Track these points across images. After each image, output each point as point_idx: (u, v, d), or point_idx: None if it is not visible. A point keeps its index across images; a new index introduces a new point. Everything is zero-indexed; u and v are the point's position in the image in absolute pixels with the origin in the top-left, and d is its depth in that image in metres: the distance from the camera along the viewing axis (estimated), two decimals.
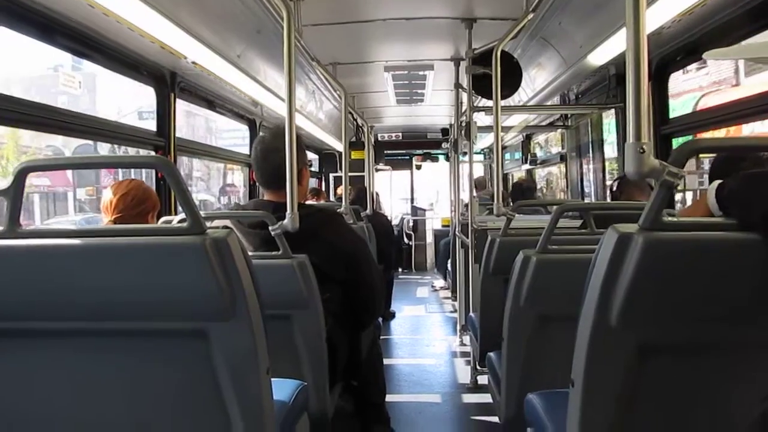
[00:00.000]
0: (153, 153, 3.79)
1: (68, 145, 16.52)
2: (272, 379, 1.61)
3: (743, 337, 1.39)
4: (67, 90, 19.12)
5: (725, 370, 1.40)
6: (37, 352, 1.55)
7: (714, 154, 2.47)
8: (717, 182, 1.46)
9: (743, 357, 1.40)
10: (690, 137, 3.75)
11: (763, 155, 2.17)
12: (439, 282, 9.71)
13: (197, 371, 1.51)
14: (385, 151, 10.89)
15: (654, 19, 2.93)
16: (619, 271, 1.29)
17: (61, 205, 17.83)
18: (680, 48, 3.50)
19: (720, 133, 3.75)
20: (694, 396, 1.41)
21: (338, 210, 4.00)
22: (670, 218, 1.32)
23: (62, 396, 1.56)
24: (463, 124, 5.04)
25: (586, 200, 5.86)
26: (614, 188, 3.60)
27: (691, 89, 7.08)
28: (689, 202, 4.97)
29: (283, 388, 2.17)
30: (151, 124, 3.86)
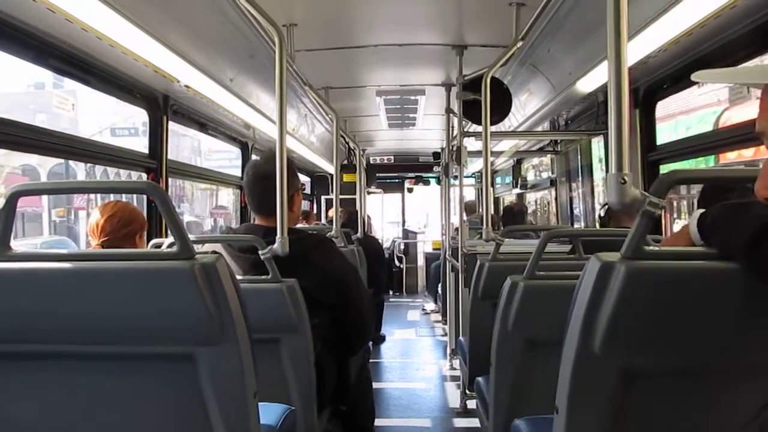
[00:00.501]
0: (144, 175, 3.80)
1: (43, 165, 16.48)
2: (260, 403, 1.62)
3: (725, 364, 1.41)
4: (50, 109, 19.30)
5: (707, 397, 1.42)
6: (25, 375, 1.55)
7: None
8: (699, 211, 1.48)
9: (725, 383, 1.41)
10: (677, 164, 3.79)
11: (749, 186, 2.20)
12: (430, 305, 9.70)
13: (185, 395, 1.52)
14: (377, 174, 10.92)
15: (639, 49, 2.98)
16: (601, 299, 1.31)
17: (33, 225, 17.74)
18: (667, 76, 3.55)
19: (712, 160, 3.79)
20: (676, 422, 1.42)
21: (329, 234, 4.02)
22: (652, 247, 1.34)
23: (50, 418, 1.56)
24: (454, 148, 5.08)
25: (576, 225, 5.89)
26: (602, 214, 3.64)
27: (709, 103, 7.09)
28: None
29: (270, 413, 2.17)
30: (130, 142, 3.86)
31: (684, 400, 1.41)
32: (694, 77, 1.04)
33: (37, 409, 1.56)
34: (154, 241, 2.83)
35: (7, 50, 2.59)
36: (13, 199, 1.46)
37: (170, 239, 2.35)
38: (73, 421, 1.56)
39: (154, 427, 1.57)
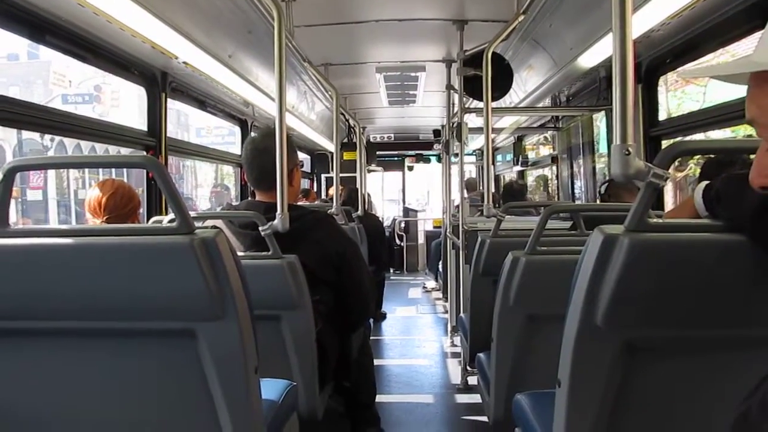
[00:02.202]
0: (144, 153, 3.78)
1: (8, 139, 16.36)
2: (262, 379, 1.62)
3: (728, 337, 1.41)
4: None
5: (710, 370, 1.42)
6: (27, 352, 1.56)
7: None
8: (704, 183, 1.47)
9: (727, 356, 1.41)
10: (679, 139, 3.77)
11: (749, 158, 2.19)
12: (431, 283, 9.71)
13: (186, 370, 1.52)
14: (377, 152, 10.87)
15: (643, 23, 2.95)
16: (604, 271, 1.30)
17: None
18: (670, 51, 3.52)
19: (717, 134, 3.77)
20: (678, 394, 1.43)
21: (329, 211, 4.01)
22: (656, 220, 1.33)
23: (52, 395, 1.56)
24: (455, 125, 5.06)
25: (577, 202, 5.88)
26: (602, 190, 3.62)
27: None
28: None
29: (272, 388, 2.18)
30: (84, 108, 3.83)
31: (686, 372, 1.41)
32: (680, 75, 1.03)
33: (39, 385, 1.56)
34: (154, 218, 2.82)
35: (4, 27, 2.56)
36: (10, 174, 1.45)
37: (170, 216, 2.34)
38: (75, 396, 1.57)
39: (155, 401, 1.57)
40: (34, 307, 1.50)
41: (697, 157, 4.06)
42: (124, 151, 3.74)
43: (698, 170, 2.54)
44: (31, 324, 1.53)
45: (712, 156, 2.50)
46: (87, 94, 21.06)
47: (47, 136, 14.50)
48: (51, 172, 17.23)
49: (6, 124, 2.68)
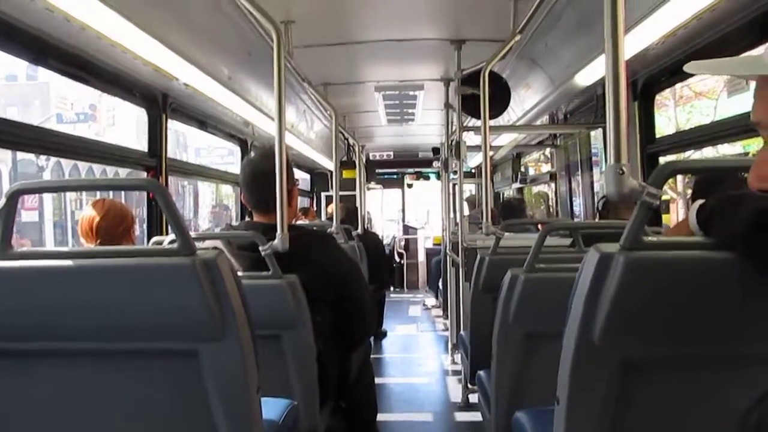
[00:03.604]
0: (144, 174, 3.80)
1: (5, 160, 16.39)
2: (262, 399, 1.63)
3: (724, 354, 1.42)
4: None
5: (707, 386, 1.43)
6: (29, 373, 1.56)
7: None
8: (698, 203, 1.49)
9: (724, 373, 1.42)
10: (676, 156, 3.80)
11: (742, 175, 2.21)
12: (431, 300, 9.71)
13: (188, 391, 1.53)
14: (377, 170, 10.92)
15: (638, 41, 2.98)
16: (601, 289, 1.32)
17: None
18: (666, 68, 3.55)
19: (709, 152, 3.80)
20: (676, 411, 1.43)
21: (329, 230, 4.02)
22: (651, 237, 1.35)
23: (54, 416, 1.57)
24: (453, 143, 5.09)
25: (576, 218, 5.90)
26: (600, 206, 3.64)
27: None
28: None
29: (273, 407, 2.18)
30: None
31: (684, 389, 1.42)
32: (686, 69, 1.05)
33: (41, 406, 1.57)
34: (154, 238, 2.84)
35: (6, 50, 2.59)
36: (13, 197, 1.47)
37: (170, 237, 2.36)
38: (75, 417, 1.57)
39: (157, 422, 1.58)
40: (36, 329, 1.52)
41: None
42: (123, 171, 3.76)
43: None
44: (32, 345, 1.54)
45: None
46: (83, 113, 21.16)
47: (42, 156, 14.52)
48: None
49: (5, 146, 2.70)
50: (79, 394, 1.57)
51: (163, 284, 1.45)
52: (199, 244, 1.50)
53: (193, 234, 1.61)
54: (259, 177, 2.55)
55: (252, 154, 2.75)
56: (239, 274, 1.63)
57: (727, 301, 1.32)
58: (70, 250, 1.52)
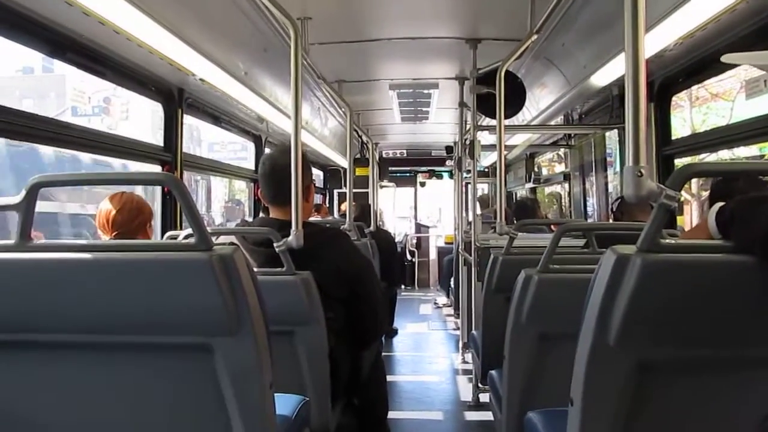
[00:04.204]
0: (159, 168, 3.82)
1: None
2: (275, 394, 1.63)
3: (740, 358, 1.41)
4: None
5: (723, 390, 1.42)
6: (45, 364, 1.58)
7: None
8: (717, 205, 1.48)
9: (740, 377, 1.41)
10: (692, 158, 3.78)
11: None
12: (442, 299, 9.70)
13: (201, 385, 1.53)
14: (390, 168, 10.92)
15: (656, 42, 2.97)
16: (617, 291, 1.31)
17: None
18: (683, 70, 3.54)
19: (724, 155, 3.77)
20: (692, 415, 1.43)
21: (342, 227, 4.03)
22: (668, 240, 1.34)
23: (68, 407, 1.58)
24: (467, 142, 5.08)
25: (589, 219, 5.88)
26: (615, 207, 3.63)
27: None
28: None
29: (285, 403, 2.19)
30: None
31: (700, 392, 1.41)
32: (724, 59, 1.04)
33: (55, 399, 1.58)
34: (169, 233, 2.85)
35: (25, 43, 2.62)
36: (33, 191, 1.48)
37: (185, 231, 2.37)
38: (91, 410, 1.58)
39: (170, 416, 1.59)
40: (54, 321, 1.53)
41: None
42: (137, 165, 3.77)
43: None
44: (49, 337, 1.55)
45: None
46: (98, 106, 21.29)
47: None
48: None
49: (21, 138, 2.72)
50: (94, 386, 1.58)
51: (180, 279, 1.46)
52: (214, 239, 1.50)
53: (209, 229, 1.62)
54: (278, 172, 2.56)
55: (266, 150, 2.76)
56: (254, 269, 1.64)
57: (746, 305, 1.31)
58: (87, 244, 1.53)
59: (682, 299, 1.32)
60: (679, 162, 3.79)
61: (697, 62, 3.34)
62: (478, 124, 4.96)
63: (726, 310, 1.33)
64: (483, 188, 11.05)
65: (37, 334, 1.55)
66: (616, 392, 1.39)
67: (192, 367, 1.54)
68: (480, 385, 4.46)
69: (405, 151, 11.41)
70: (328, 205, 9.70)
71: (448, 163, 10.48)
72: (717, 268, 1.31)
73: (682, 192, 1.36)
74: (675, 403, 1.42)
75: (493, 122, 3.83)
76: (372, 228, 6.04)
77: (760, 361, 1.40)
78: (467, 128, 5.48)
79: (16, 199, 1.47)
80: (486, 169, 10.43)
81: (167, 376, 1.57)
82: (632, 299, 1.29)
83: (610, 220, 4.22)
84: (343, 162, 7.87)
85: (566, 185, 6.82)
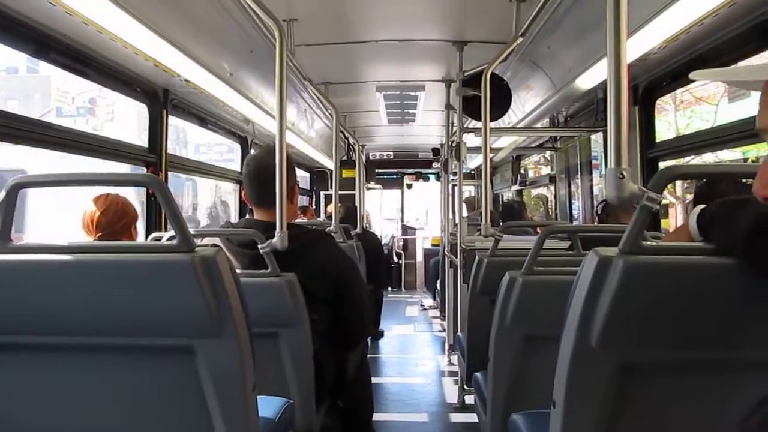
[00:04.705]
0: (144, 169, 3.80)
1: None
2: (258, 397, 1.63)
3: (723, 359, 1.42)
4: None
5: (705, 391, 1.43)
6: (26, 366, 1.57)
7: None
8: (699, 208, 1.49)
9: (722, 378, 1.42)
10: (677, 161, 3.80)
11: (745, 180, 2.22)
12: (428, 301, 9.71)
13: (184, 387, 1.53)
14: (376, 170, 10.92)
15: (639, 46, 2.98)
16: (599, 293, 1.32)
17: None
18: (667, 73, 3.55)
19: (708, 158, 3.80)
20: (674, 416, 1.43)
21: (328, 229, 4.02)
22: (650, 242, 1.35)
23: (50, 410, 1.57)
24: (454, 144, 5.09)
25: (575, 222, 5.90)
26: (599, 210, 3.64)
27: None
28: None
29: (269, 406, 2.18)
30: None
31: (682, 394, 1.42)
32: (692, 76, 1.05)
33: (37, 400, 1.57)
34: (153, 234, 2.83)
35: (8, 43, 2.59)
36: (13, 191, 1.47)
37: (169, 233, 2.35)
38: (73, 412, 1.57)
39: (153, 418, 1.58)
40: (34, 322, 1.52)
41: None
42: (122, 166, 3.75)
43: None
44: (30, 339, 1.54)
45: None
46: (83, 107, 21.19)
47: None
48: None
49: (5, 139, 2.69)
50: (76, 388, 1.57)
51: (162, 280, 1.45)
52: (198, 241, 1.50)
53: (192, 230, 1.61)
54: (263, 173, 2.55)
55: (252, 150, 2.75)
56: (238, 271, 1.63)
57: (727, 307, 1.32)
58: (69, 245, 1.52)
59: (663, 301, 1.33)
60: (664, 165, 3.81)
61: (681, 66, 3.35)
62: (465, 126, 4.98)
63: (707, 312, 1.34)
64: (470, 190, 11.08)
65: (18, 336, 1.53)
66: (598, 394, 1.39)
67: (175, 369, 1.53)
68: (465, 386, 4.47)
69: (392, 153, 11.41)
70: (314, 207, 9.68)
71: (435, 165, 10.47)
72: (698, 270, 1.32)
73: (667, 195, 1.36)
74: (657, 405, 1.42)
75: (480, 124, 3.83)
76: (358, 230, 6.04)
77: (741, 362, 1.41)
78: (453, 130, 5.49)
79: None
80: (473, 172, 10.45)
81: (150, 378, 1.56)
82: (614, 301, 1.30)
83: (595, 223, 4.24)
84: (330, 164, 7.85)
85: (552, 188, 6.84)
